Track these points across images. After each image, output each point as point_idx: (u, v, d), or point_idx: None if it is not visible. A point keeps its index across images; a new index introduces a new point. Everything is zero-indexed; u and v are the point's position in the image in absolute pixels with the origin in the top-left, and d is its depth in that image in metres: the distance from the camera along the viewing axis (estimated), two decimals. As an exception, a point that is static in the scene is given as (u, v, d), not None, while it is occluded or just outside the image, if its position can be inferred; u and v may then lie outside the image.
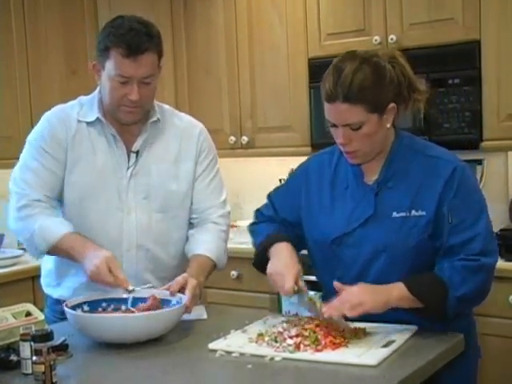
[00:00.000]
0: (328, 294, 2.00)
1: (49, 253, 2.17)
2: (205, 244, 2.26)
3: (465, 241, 1.87)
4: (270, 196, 2.22)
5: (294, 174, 2.19)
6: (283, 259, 2.00)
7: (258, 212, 2.24)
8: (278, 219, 2.16)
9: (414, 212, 1.91)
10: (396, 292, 1.85)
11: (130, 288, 2.03)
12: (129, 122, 2.21)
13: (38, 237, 2.13)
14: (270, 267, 1.99)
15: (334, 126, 1.91)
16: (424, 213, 1.90)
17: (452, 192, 1.89)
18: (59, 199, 2.24)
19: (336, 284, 1.89)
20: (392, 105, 1.91)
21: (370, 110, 1.86)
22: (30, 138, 2.26)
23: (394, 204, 1.94)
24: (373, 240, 1.94)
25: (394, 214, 1.93)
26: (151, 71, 2.14)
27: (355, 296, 1.84)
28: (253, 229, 2.21)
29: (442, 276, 1.85)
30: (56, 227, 2.14)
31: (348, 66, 1.87)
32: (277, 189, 2.23)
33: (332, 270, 2.01)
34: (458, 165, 1.93)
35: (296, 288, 1.92)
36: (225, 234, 2.34)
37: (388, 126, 1.93)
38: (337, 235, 1.99)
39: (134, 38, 2.08)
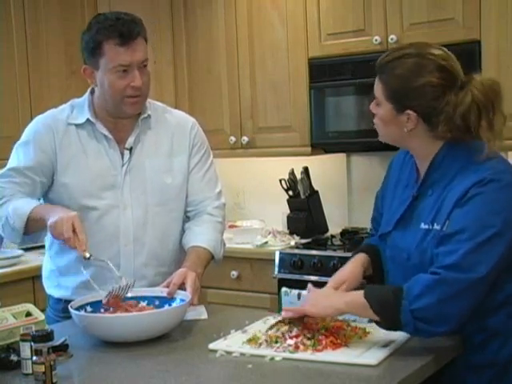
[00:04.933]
0: None
1: (26, 230, 2.15)
2: (201, 235, 2.28)
3: (448, 251, 1.73)
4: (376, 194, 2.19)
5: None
6: (343, 269, 2.05)
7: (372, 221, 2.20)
8: (379, 215, 2.12)
9: (435, 225, 1.81)
10: (350, 297, 1.83)
11: (87, 255, 2.02)
12: (134, 113, 2.23)
13: (12, 216, 2.14)
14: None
15: None
16: (439, 227, 1.80)
17: (462, 202, 1.75)
18: (51, 203, 2.26)
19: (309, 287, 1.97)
20: (411, 113, 1.82)
21: (386, 96, 1.85)
22: (17, 143, 2.30)
23: (424, 214, 1.86)
24: (400, 247, 1.91)
25: (422, 225, 1.85)
26: (146, 55, 2.18)
27: (309, 299, 1.91)
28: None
29: (404, 286, 1.74)
30: (28, 203, 2.16)
31: (405, 50, 1.85)
32: None
33: (385, 265, 2.03)
34: (485, 177, 1.74)
35: None
36: (220, 226, 2.36)
37: (405, 130, 1.84)
38: (382, 232, 2.01)
39: (124, 26, 2.11)
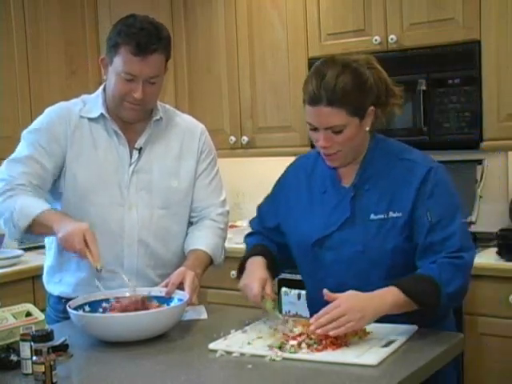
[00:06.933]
0: (311, 297, 2.10)
1: (28, 229, 2.12)
2: (200, 239, 2.29)
3: (444, 238, 1.90)
4: (258, 207, 2.27)
5: (276, 182, 2.25)
6: (252, 272, 2.06)
7: (250, 223, 2.29)
8: (264, 229, 2.21)
9: (391, 213, 1.94)
10: (390, 298, 1.84)
11: (99, 267, 2.00)
12: (130, 120, 2.24)
13: (18, 214, 2.10)
14: (241, 281, 2.07)
15: (315, 129, 1.93)
16: (400, 214, 1.93)
17: (427, 193, 1.93)
18: (55, 194, 2.25)
19: (326, 293, 1.84)
20: (371, 108, 1.95)
21: (351, 114, 1.90)
22: (26, 131, 2.27)
23: (371, 207, 1.97)
24: (351, 242, 1.97)
25: (372, 217, 1.96)
26: (157, 72, 2.17)
27: (353, 311, 1.79)
28: (245, 241, 2.27)
29: (432, 274, 1.86)
30: (37, 204, 2.13)
31: (330, 71, 1.90)
32: (264, 198, 2.27)
33: (314, 273, 2.05)
34: (432, 166, 1.96)
35: (263, 294, 1.99)
36: (222, 232, 2.37)
37: (367, 129, 1.96)
38: (317, 238, 2.02)
39: (144, 38, 2.11)
